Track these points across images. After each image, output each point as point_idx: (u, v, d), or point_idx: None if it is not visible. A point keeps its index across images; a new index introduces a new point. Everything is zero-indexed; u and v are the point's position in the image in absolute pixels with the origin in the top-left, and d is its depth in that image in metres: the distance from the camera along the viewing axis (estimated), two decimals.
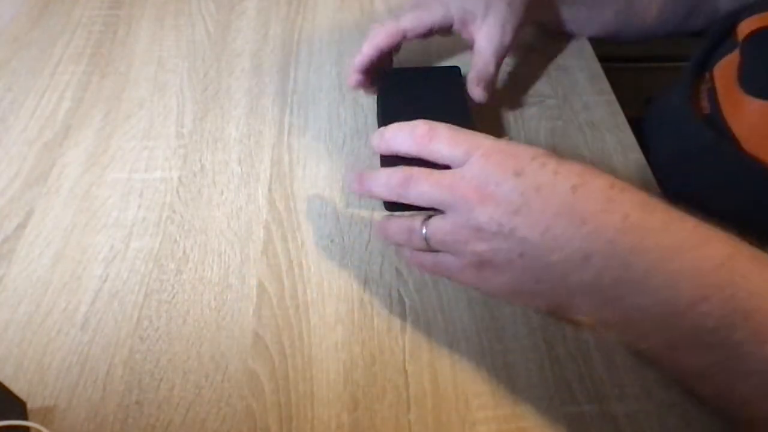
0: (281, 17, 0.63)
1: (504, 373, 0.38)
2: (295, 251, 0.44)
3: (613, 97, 0.54)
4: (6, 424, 0.33)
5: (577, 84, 0.55)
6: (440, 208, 0.34)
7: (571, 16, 0.57)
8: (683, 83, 0.50)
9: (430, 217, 0.35)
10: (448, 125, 0.35)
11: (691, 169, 0.49)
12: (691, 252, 0.28)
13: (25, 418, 0.36)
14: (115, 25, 0.63)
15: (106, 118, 0.54)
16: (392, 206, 0.39)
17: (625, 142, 0.51)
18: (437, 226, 0.35)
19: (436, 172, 0.34)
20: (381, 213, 0.46)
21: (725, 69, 0.47)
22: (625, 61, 0.56)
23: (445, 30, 0.49)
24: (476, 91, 0.47)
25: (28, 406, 0.37)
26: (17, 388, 0.37)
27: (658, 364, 0.35)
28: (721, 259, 0.28)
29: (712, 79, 0.47)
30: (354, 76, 0.50)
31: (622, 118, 0.52)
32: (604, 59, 0.58)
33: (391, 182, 0.36)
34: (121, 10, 0.65)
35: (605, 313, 0.31)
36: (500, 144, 0.34)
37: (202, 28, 0.62)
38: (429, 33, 0.48)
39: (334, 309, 0.41)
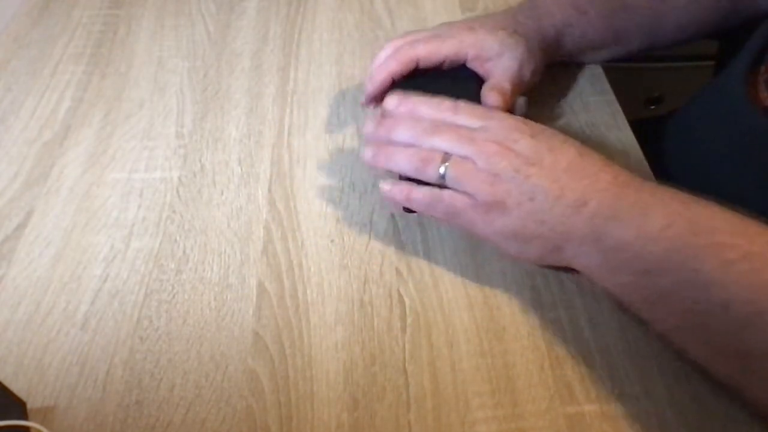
0: (281, 17, 0.63)
1: (504, 373, 0.38)
2: (295, 251, 0.44)
3: (613, 97, 0.54)
4: (6, 424, 0.33)
5: (577, 84, 0.55)
6: (460, 155, 0.39)
7: (594, 57, 0.55)
8: (735, 74, 0.48)
9: (448, 155, 0.39)
10: (470, 103, 0.42)
11: (745, 164, 0.47)
12: (660, 192, 0.36)
13: (25, 418, 0.36)
14: (115, 25, 0.63)
15: (106, 118, 0.54)
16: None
17: (625, 142, 0.51)
18: (459, 164, 0.39)
19: (460, 127, 0.40)
20: (381, 213, 0.46)
21: None
22: (625, 61, 0.56)
23: (457, 63, 0.48)
24: (491, 96, 0.46)
25: (28, 406, 0.37)
26: (17, 388, 0.37)
27: (627, 297, 0.38)
28: (680, 195, 0.36)
29: None
30: (367, 101, 0.48)
31: (622, 118, 0.52)
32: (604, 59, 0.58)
33: (417, 128, 0.40)
34: (121, 10, 0.65)
35: (591, 252, 0.37)
36: (513, 116, 0.41)
37: (202, 28, 0.62)
38: (441, 64, 0.47)
39: (334, 309, 0.41)
